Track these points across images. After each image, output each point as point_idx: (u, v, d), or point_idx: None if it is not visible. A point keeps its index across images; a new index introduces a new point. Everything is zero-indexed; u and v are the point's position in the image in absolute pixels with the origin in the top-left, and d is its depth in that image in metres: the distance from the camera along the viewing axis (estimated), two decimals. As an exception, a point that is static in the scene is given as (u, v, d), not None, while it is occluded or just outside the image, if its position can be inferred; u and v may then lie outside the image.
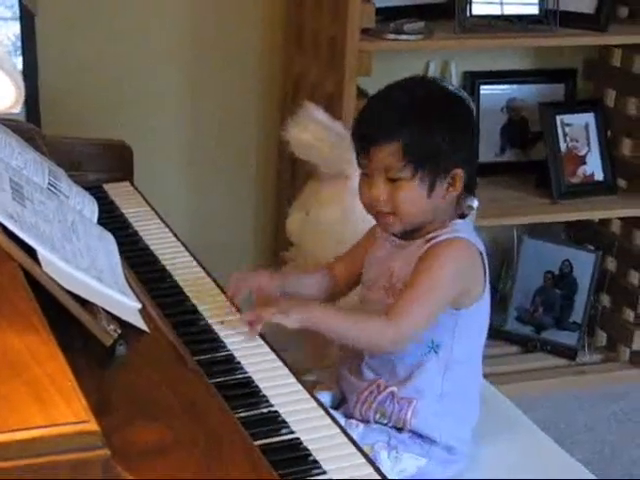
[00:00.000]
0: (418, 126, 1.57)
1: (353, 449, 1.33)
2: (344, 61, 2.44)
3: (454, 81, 2.89)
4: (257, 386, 1.43)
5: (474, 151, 1.73)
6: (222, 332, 1.56)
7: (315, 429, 1.36)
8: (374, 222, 1.71)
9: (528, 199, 2.88)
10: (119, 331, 1.34)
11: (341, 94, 2.47)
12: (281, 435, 1.33)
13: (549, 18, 2.68)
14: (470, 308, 1.63)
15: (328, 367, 1.84)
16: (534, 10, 2.71)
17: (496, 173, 2.94)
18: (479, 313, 1.66)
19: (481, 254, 1.63)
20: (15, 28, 2.58)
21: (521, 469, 1.69)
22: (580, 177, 2.94)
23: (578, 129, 2.94)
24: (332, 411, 1.60)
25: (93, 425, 0.96)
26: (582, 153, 2.94)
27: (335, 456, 1.30)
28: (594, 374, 2.98)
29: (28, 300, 1.19)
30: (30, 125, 2.13)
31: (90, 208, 1.73)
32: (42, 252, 1.31)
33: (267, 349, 1.54)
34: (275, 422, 1.35)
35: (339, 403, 1.73)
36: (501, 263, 3.07)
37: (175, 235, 1.90)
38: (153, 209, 2.02)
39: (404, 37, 2.51)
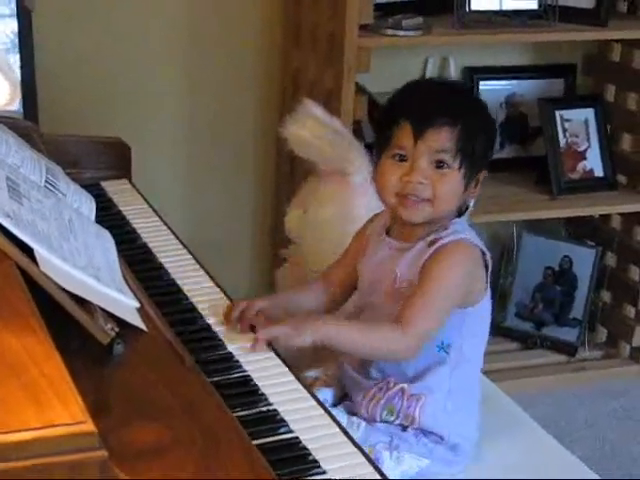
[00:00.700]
0: (476, 116, 1.60)
1: (353, 448, 1.32)
2: (342, 57, 2.43)
3: (453, 77, 2.88)
4: (256, 385, 1.42)
5: None
6: (220, 330, 1.55)
7: (314, 428, 1.35)
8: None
9: (528, 195, 2.88)
10: (117, 330, 1.33)
11: (340, 90, 2.46)
12: (280, 434, 1.32)
13: (548, 13, 2.67)
14: (476, 306, 1.63)
15: (327, 362, 1.82)
16: (533, 5, 2.70)
17: (495, 169, 2.88)
18: (484, 310, 1.66)
19: (483, 252, 1.62)
20: (13, 25, 2.58)
21: (521, 467, 1.68)
22: (580, 173, 2.93)
23: (578, 124, 2.93)
24: (333, 409, 1.60)
25: (90, 426, 0.95)
26: (582, 149, 2.94)
27: (335, 455, 1.29)
28: (594, 370, 2.97)
29: (25, 300, 1.18)
30: (27, 122, 2.12)
31: (87, 206, 1.72)
32: (39, 251, 1.31)
33: (265, 347, 1.53)
34: (274, 421, 1.34)
35: (340, 400, 1.72)
36: (501, 259, 3.06)
37: (173, 233, 1.90)
38: (151, 207, 2.01)
39: (403, 33, 2.50)
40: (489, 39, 2.70)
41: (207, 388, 1.33)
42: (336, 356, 1.73)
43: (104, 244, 1.58)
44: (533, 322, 3.04)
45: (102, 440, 0.97)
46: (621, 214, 2.99)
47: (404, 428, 1.64)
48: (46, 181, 1.64)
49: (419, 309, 1.54)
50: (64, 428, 0.94)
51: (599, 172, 2.94)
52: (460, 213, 1.66)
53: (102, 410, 1.16)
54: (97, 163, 2.10)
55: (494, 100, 2.95)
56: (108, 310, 1.35)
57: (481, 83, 2.96)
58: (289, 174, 2.73)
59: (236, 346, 1.51)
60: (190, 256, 1.81)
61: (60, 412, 0.96)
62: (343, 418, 1.61)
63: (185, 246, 1.84)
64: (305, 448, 1.30)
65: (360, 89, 2.55)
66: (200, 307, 1.62)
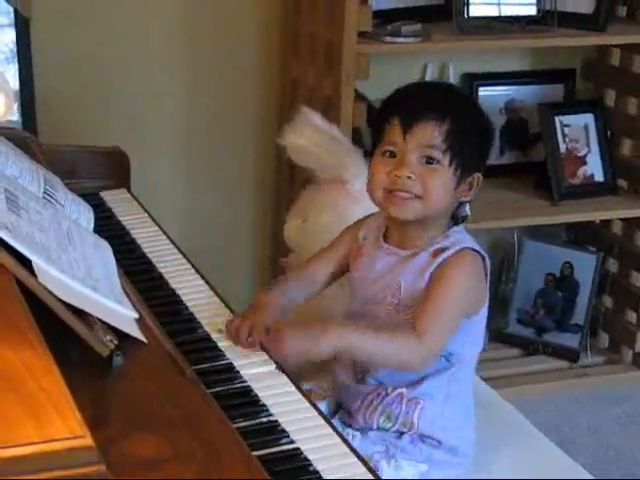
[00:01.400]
0: (466, 114, 1.60)
1: (354, 459, 1.32)
2: (341, 65, 2.43)
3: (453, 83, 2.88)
4: (256, 395, 1.42)
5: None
6: (220, 341, 1.55)
7: (315, 438, 1.34)
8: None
9: (528, 201, 2.87)
10: (116, 342, 1.33)
11: (339, 98, 2.46)
12: (281, 445, 1.31)
13: (547, 18, 2.67)
14: (479, 313, 1.63)
15: (321, 374, 1.81)
16: (532, 11, 2.70)
17: (496, 175, 2.91)
18: (483, 317, 1.66)
19: (483, 259, 1.63)
20: (11, 35, 2.58)
21: (523, 473, 1.68)
22: (580, 178, 2.92)
23: (577, 130, 2.93)
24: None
25: (88, 440, 0.94)
26: (582, 154, 2.93)
27: (336, 466, 1.29)
28: (596, 376, 2.97)
29: (23, 313, 1.18)
30: (25, 133, 2.12)
31: (86, 216, 1.72)
32: (37, 262, 1.30)
33: (266, 357, 1.52)
34: (275, 432, 1.34)
35: (334, 412, 1.71)
36: (502, 265, 3.06)
37: (173, 242, 1.89)
38: (150, 216, 2.00)
39: (401, 40, 2.49)
40: (488, 45, 2.70)
41: (207, 399, 1.33)
42: (330, 368, 1.72)
43: (103, 255, 1.57)
44: (534, 328, 3.03)
45: (102, 452, 0.96)
46: (622, 219, 2.98)
47: (400, 435, 1.63)
48: (44, 192, 1.64)
49: (433, 320, 1.53)
50: (62, 442, 0.94)
51: (599, 177, 2.94)
52: (457, 221, 1.65)
53: (102, 422, 1.16)
54: (96, 173, 2.10)
55: (494, 106, 2.94)
56: (107, 321, 1.34)
57: (480, 89, 2.95)
58: (289, 182, 2.72)
59: (236, 356, 1.51)
60: (189, 265, 1.80)
61: (59, 426, 0.96)
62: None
63: (185, 255, 1.84)
64: (306, 459, 1.29)
65: (359, 96, 2.54)
66: (200, 317, 1.61)
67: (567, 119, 2.91)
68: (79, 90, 2.66)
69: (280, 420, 1.36)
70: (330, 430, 1.37)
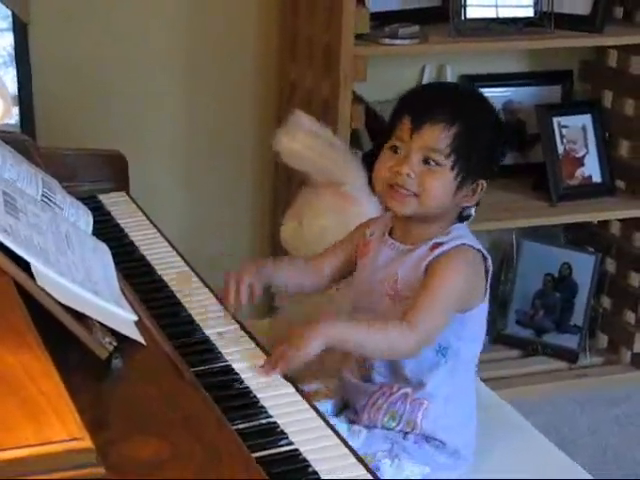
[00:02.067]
0: (475, 120, 1.60)
1: (353, 460, 1.32)
2: (339, 67, 2.43)
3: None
4: (255, 397, 1.42)
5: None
6: (219, 343, 1.55)
7: (315, 440, 1.34)
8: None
9: (526, 202, 2.88)
10: (115, 344, 1.33)
11: (337, 100, 2.46)
12: (280, 446, 1.31)
13: (544, 20, 2.68)
14: (474, 310, 1.63)
15: (326, 375, 1.82)
16: (529, 12, 2.70)
17: (493, 176, 2.92)
18: (481, 314, 1.66)
19: (484, 257, 1.63)
20: (9, 39, 2.58)
21: (523, 474, 1.68)
22: (578, 179, 2.93)
23: (575, 131, 2.93)
24: (334, 419, 1.60)
25: (87, 442, 0.95)
26: (580, 155, 2.94)
27: (335, 467, 1.29)
28: (595, 377, 2.97)
29: (22, 316, 1.18)
30: (24, 136, 2.11)
31: (85, 219, 1.72)
32: (36, 265, 1.30)
33: (265, 359, 1.52)
34: (274, 433, 1.34)
35: (340, 411, 1.72)
36: (500, 266, 3.06)
37: (171, 245, 1.89)
38: (149, 219, 2.00)
39: (399, 42, 2.50)
40: (486, 46, 2.70)
41: (206, 401, 1.33)
42: (336, 368, 1.73)
43: (102, 257, 1.58)
44: (533, 329, 3.04)
45: (101, 455, 0.96)
46: (620, 220, 2.98)
47: (405, 435, 1.64)
48: (42, 195, 1.64)
49: (425, 309, 1.54)
50: (61, 445, 0.94)
51: (597, 178, 2.94)
52: (461, 219, 1.66)
53: (101, 425, 1.16)
54: (94, 176, 2.10)
55: (491, 107, 2.94)
56: (106, 324, 1.35)
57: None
58: (287, 185, 2.72)
59: (235, 357, 1.51)
60: (188, 268, 1.80)
61: (58, 429, 0.96)
62: (344, 428, 1.61)
63: (183, 258, 1.84)
64: (305, 460, 1.29)
65: (357, 98, 2.55)
66: (199, 319, 1.61)
67: (565, 120, 2.92)
68: (77, 92, 2.66)
69: (279, 421, 1.36)
70: (329, 431, 1.37)
